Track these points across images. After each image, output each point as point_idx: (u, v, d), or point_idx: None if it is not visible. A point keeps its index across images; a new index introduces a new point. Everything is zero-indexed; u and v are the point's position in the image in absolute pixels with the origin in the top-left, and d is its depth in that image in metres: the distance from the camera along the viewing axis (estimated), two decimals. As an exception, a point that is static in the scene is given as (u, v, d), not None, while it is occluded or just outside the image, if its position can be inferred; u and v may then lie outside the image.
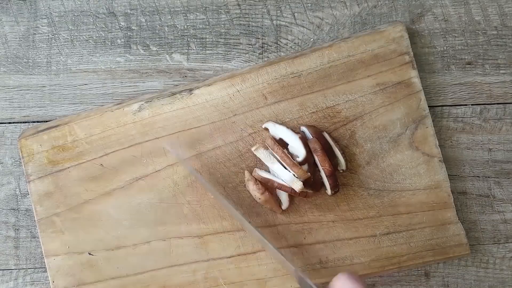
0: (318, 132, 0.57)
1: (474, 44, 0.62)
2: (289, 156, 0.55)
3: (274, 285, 0.58)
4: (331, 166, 0.55)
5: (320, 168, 0.56)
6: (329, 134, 0.58)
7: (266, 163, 0.57)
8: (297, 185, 0.54)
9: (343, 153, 0.58)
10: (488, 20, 0.62)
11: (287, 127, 0.57)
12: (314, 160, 0.56)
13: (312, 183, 0.56)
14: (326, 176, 0.55)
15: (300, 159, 0.56)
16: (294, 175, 0.55)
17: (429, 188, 0.58)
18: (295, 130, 0.58)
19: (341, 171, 0.58)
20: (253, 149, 0.57)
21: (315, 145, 0.56)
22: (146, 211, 0.59)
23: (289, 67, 0.59)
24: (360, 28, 0.62)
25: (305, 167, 0.56)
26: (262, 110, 0.59)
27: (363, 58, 0.59)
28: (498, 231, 0.61)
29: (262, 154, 0.57)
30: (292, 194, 0.55)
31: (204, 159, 0.59)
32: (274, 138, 0.57)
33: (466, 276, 0.61)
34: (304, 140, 0.56)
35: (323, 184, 0.57)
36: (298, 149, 0.56)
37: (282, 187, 0.55)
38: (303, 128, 0.58)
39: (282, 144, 0.57)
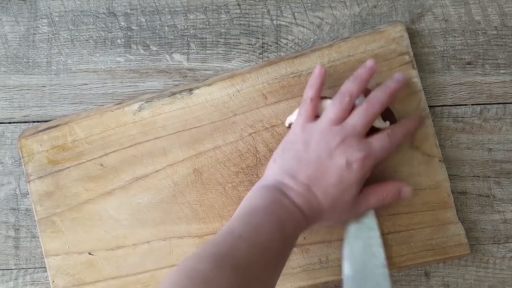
0: None
1: (474, 44, 0.62)
2: None
3: (274, 285, 0.58)
4: None
5: None
6: None
7: None
8: None
9: None
10: (488, 20, 0.61)
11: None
12: None
13: None
14: None
15: None
16: None
17: (429, 188, 0.58)
18: None
19: None
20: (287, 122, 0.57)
21: None
22: (146, 211, 0.59)
23: (289, 67, 0.59)
24: (360, 28, 0.62)
25: None
26: (262, 110, 0.59)
27: (363, 58, 0.59)
28: (498, 231, 0.61)
29: None
30: None
31: (204, 159, 0.59)
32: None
33: (466, 276, 0.61)
34: None
35: None
36: None
37: None
38: None
39: None
